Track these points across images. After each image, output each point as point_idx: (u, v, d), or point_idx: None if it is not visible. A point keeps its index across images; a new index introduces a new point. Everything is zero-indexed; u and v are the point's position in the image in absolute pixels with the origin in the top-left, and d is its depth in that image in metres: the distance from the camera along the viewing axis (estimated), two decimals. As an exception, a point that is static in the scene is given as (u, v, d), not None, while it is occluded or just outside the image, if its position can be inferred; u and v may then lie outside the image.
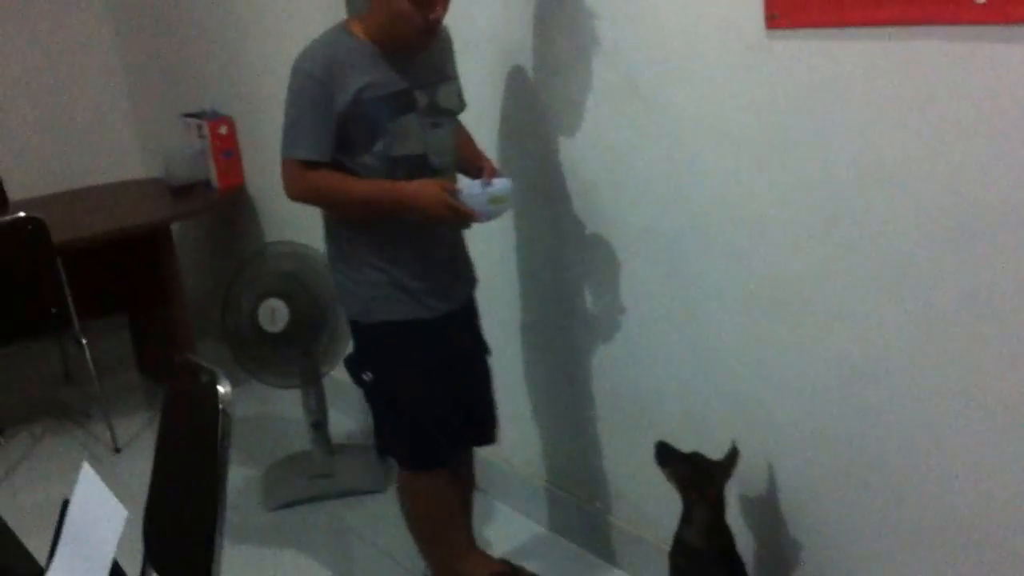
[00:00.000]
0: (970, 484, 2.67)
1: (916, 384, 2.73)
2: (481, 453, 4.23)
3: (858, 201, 2.75)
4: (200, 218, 6.06)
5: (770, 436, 3.19)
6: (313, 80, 3.28)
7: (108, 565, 2.00)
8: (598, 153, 3.54)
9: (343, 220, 3.44)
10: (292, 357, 4.65)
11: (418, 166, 3.32)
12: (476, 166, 3.50)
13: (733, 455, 3.12)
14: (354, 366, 3.57)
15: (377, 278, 3.41)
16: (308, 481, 4.70)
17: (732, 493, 3.29)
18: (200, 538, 2.44)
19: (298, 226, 5.15)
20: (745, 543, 3.30)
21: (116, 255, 5.67)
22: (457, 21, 3.57)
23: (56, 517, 2.24)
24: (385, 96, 3.28)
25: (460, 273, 3.60)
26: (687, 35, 3.11)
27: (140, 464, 2.84)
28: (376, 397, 3.56)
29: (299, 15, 4.92)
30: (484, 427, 3.77)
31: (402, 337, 3.45)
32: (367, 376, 3.50)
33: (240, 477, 4.78)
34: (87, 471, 2.19)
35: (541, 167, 3.78)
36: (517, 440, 4.31)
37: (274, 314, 4.51)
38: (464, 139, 3.61)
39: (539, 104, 3.72)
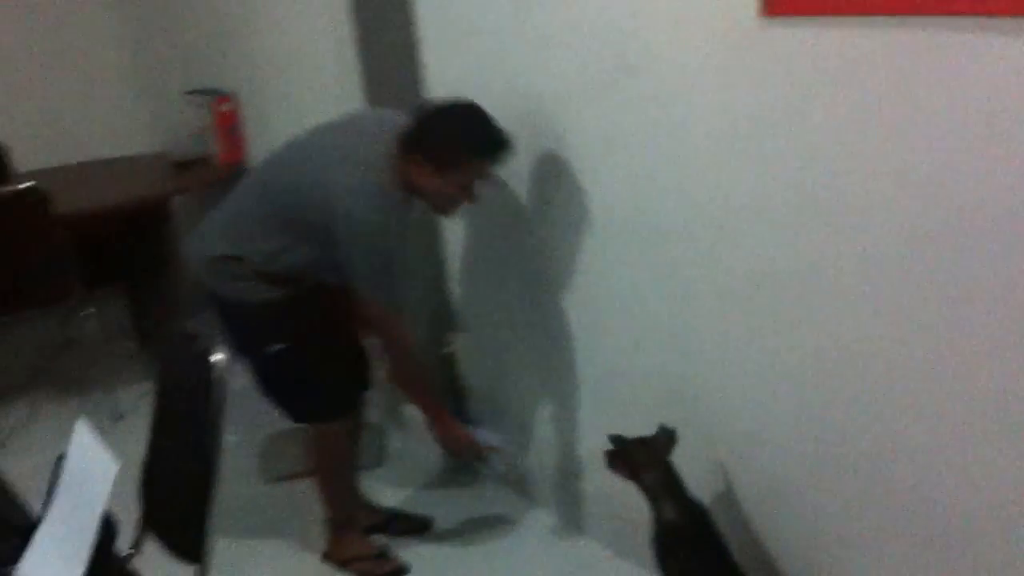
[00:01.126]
0: (943, 474, 2.71)
1: (892, 376, 2.76)
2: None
3: (843, 192, 2.75)
4: (201, 192, 6.11)
5: (750, 423, 3.23)
6: (388, 234, 3.47)
7: (99, 514, 2.07)
8: (587, 139, 3.55)
9: (279, 227, 3.58)
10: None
11: None
12: None
13: (667, 435, 3.23)
14: (252, 348, 3.73)
15: (291, 264, 3.62)
16: (304, 456, 4.76)
17: (712, 479, 3.35)
18: (195, 505, 2.50)
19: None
20: (727, 528, 3.32)
21: (118, 227, 5.74)
22: (448, 4, 3.63)
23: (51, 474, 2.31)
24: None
25: None
26: (681, 19, 3.07)
27: (140, 432, 2.90)
28: (282, 368, 3.76)
29: (302, -6, 4.98)
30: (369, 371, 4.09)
31: (307, 303, 3.69)
32: (275, 349, 3.70)
33: (238, 449, 4.83)
34: (81, 427, 2.26)
35: (528, 152, 3.79)
36: (500, 422, 4.40)
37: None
38: None
39: (529, 87, 3.73)
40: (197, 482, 2.50)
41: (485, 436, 3.97)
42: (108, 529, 2.09)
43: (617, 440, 3.31)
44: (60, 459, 2.30)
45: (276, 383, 3.84)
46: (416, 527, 4.23)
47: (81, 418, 2.33)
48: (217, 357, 2.54)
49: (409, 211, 3.57)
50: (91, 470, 2.14)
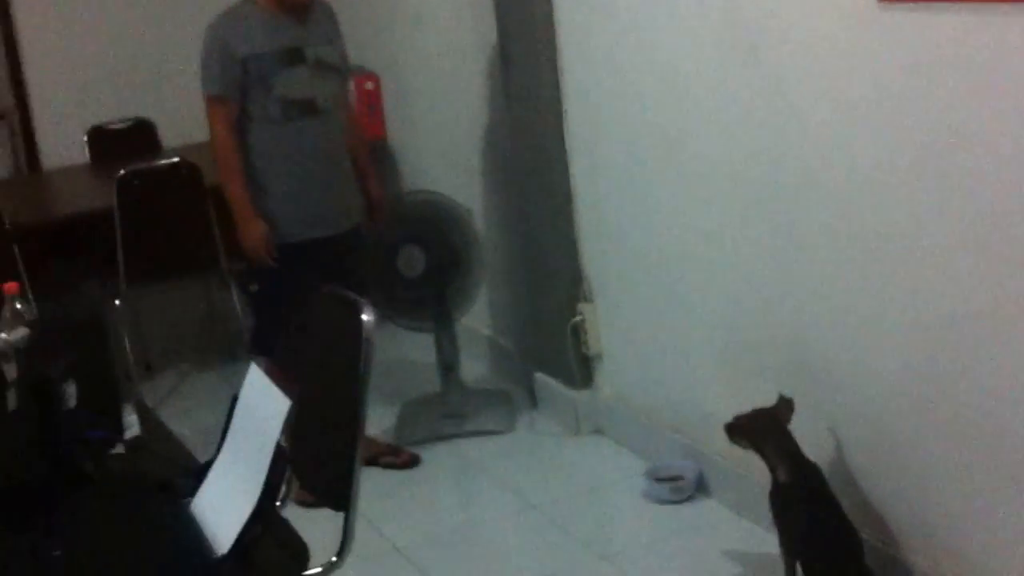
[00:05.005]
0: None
1: (1001, 334, 2.86)
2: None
3: (953, 165, 2.89)
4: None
5: (862, 384, 3.35)
6: (215, 35, 4.20)
7: (272, 450, 2.19)
8: (716, 114, 3.68)
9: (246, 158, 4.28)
10: (427, 302, 4.85)
11: (307, 108, 4.24)
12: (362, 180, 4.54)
13: (785, 403, 3.39)
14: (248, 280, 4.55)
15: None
16: (439, 420, 4.88)
17: (826, 440, 3.46)
18: (342, 459, 2.61)
19: (436, 176, 5.36)
20: (840, 486, 3.41)
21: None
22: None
23: (224, 419, 2.44)
24: (276, 52, 4.17)
25: (336, 206, 4.39)
26: (805, 4, 3.24)
27: (284, 397, 3.03)
28: (258, 304, 4.50)
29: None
30: None
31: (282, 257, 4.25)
32: (254, 288, 4.32)
33: (374, 415, 4.94)
34: (254, 369, 2.39)
35: (658, 124, 3.93)
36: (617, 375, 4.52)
37: (411, 260, 4.72)
38: (352, 124, 4.59)
39: (665, 64, 3.86)
40: (346, 434, 2.62)
41: (670, 466, 4.15)
42: (279, 464, 2.21)
43: (735, 419, 3.47)
44: (234, 399, 2.44)
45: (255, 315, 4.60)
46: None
47: (253, 362, 2.45)
48: (366, 317, 2.65)
49: (279, 24, 4.21)
50: (264, 408, 2.27)
